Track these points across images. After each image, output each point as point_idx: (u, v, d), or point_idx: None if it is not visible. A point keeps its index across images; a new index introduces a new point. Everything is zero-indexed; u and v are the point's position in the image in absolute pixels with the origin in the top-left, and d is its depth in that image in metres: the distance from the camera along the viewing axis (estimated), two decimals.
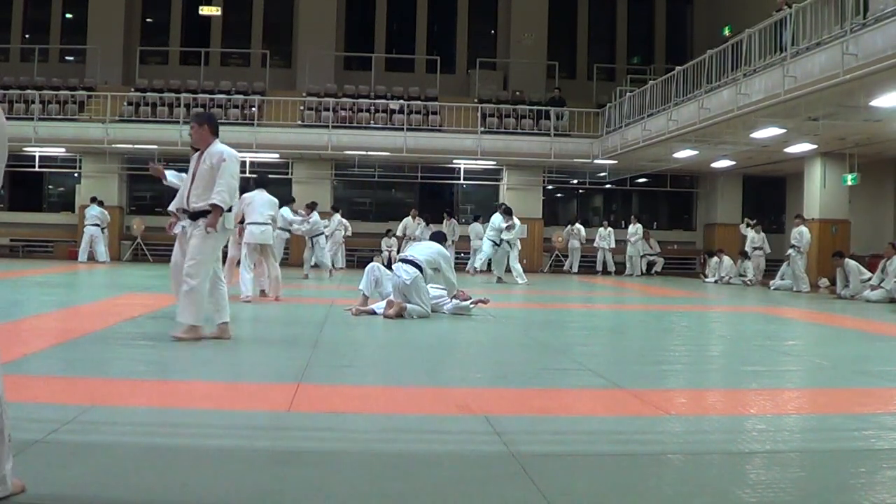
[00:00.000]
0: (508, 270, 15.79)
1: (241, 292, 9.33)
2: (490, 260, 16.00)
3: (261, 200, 9.63)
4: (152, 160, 19.60)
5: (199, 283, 5.73)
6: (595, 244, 20.45)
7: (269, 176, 20.12)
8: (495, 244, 15.60)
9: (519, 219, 16.14)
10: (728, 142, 15.67)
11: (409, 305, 7.98)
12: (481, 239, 16.86)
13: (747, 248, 18.04)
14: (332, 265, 16.84)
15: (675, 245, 22.31)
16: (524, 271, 15.92)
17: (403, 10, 24.41)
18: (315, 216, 15.17)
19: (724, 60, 13.47)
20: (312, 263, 15.66)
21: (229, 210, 5.86)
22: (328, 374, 4.99)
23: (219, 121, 6.22)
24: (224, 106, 20.16)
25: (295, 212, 14.46)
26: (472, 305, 8.67)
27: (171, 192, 6.28)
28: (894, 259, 12.55)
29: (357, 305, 8.35)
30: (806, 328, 9.42)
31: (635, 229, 20.19)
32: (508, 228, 15.53)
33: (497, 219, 15.62)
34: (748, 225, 18.51)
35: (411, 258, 8.28)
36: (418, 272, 8.07)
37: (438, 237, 9.15)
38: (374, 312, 8.17)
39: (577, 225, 20.41)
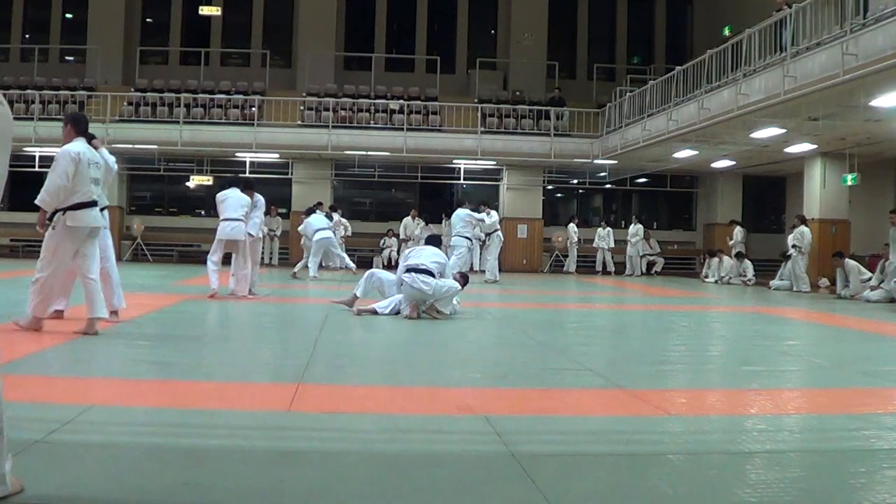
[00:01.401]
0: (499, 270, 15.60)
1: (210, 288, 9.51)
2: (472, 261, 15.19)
3: (234, 197, 9.73)
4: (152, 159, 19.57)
5: (40, 276, 5.82)
6: (594, 244, 20.46)
7: (270, 176, 20.30)
8: (468, 239, 14.71)
9: (519, 219, 16.12)
10: (728, 142, 15.68)
11: (437, 304, 8.02)
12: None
13: (740, 249, 18.34)
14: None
15: (675, 245, 22.32)
16: (524, 271, 15.83)
17: (403, 10, 24.40)
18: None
19: (724, 60, 13.47)
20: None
21: (76, 208, 5.75)
22: (328, 374, 4.99)
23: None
24: (224, 106, 20.15)
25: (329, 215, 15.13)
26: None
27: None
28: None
29: (344, 301, 8.39)
30: (806, 328, 9.42)
31: (636, 230, 20.20)
32: (487, 216, 15.27)
33: (463, 213, 14.76)
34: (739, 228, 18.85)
35: (423, 267, 8.05)
36: (433, 278, 8.02)
37: (435, 241, 9.09)
38: (375, 312, 8.18)
39: (570, 225, 20.42)
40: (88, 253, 5.95)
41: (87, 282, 5.92)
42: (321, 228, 14.63)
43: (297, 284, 13.44)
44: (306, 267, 14.78)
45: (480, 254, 17.02)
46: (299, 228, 15.59)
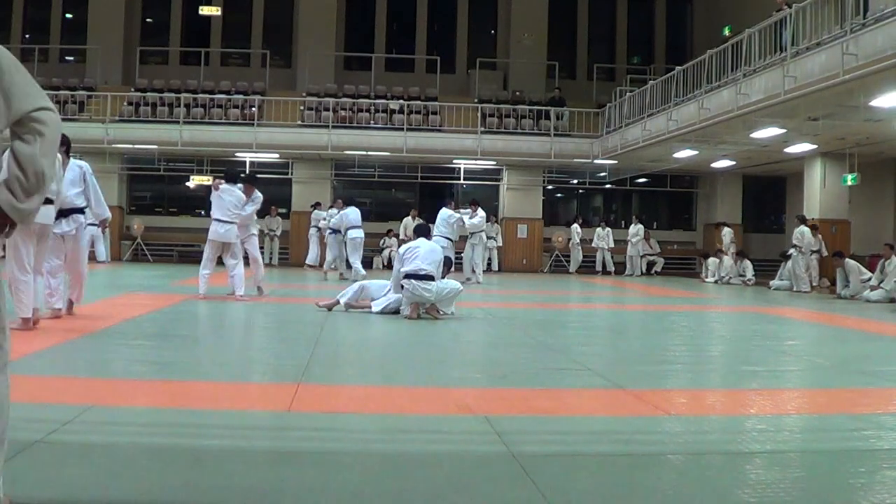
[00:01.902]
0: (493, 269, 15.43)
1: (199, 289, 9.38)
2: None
3: (229, 197, 9.44)
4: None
5: (9, 277, 5.88)
6: (594, 244, 20.46)
7: (269, 176, 20.26)
8: (449, 240, 13.86)
9: (519, 219, 16.01)
10: (728, 142, 15.67)
11: (438, 304, 8.07)
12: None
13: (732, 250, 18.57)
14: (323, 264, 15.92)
15: (675, 245, 22.32)
16: (524, 271, 15.76)
17: (403, 10, 24.40)
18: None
19: (724, 60, 13.47)
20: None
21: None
22: (328, 374, 4.99)
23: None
24: (224, 106, 20.15)
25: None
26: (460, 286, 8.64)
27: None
28: (893, 259, 12.56)
29: (327, 304, 8.45)
30: (806, 328, 9.42)
31: (636, 230, 20.19)
32: (472, 217, 15.00)
33: (446, 213, 14.09)
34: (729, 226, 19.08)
35: (423, 272, 7.97)
36: (433, 282, 8.00)
37: (424, 231, 8.89)
38: (370, 309, 8.21)
39: (574, 226, 20.40)
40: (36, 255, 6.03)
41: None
42: (355, 227, 14.00)
43: (297, 284, 13.43)
44: (349, 267, 14.11)
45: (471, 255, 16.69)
46: (332, 221, 14.78)
